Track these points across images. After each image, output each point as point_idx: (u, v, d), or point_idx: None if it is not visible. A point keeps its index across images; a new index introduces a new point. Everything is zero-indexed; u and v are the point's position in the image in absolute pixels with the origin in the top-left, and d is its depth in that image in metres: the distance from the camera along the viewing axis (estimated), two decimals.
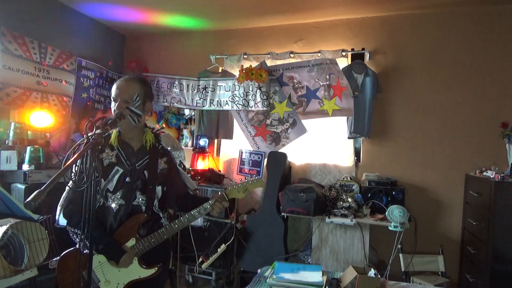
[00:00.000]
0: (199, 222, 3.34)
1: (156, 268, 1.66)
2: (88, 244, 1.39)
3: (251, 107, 3.60)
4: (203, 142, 3.83)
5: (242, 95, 3.62)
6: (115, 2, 3.45)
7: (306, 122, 3.55)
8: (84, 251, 1.45)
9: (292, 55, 3.64)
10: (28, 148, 2.88)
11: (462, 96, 3.23)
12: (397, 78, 3.41)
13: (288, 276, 1.79)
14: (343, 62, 3.46)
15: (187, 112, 4.18)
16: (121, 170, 1.66)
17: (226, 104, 3.76)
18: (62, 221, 1.65)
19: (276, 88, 3.58)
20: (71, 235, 1.67)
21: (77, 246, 1.62)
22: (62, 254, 1.65)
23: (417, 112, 3.36)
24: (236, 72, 3.69)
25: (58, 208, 1.64)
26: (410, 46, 3.39)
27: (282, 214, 3.19)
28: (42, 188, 1.09)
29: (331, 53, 3.49)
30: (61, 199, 1.65)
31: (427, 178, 3.31)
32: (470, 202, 3.04)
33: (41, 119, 3.18)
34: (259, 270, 2.01)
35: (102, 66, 3.88)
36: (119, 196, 1.65)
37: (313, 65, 3.48)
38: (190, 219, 1.69)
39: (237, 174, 3.78)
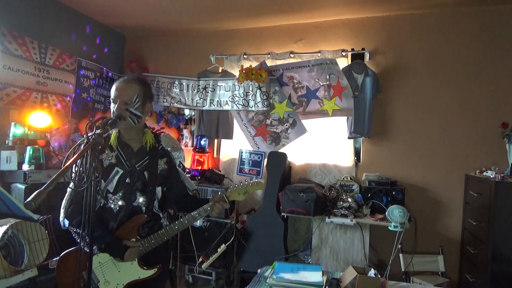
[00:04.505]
0: (198, 223, 3.34)
1: (156, 269, 1.66)
2: (89, 244, 1.39)
3: (251, 107, 3.60)
4: (203, 142, 3.83)
5: (242, 95, 3.62)
6: (115, 2, 3.45)
7: (306, 122, 3.55)
8: (86, 250, 1.45)
9: (292, 55, 3.64)
10: (28, 148, 2.88)
11: (462, 96, 3.23)
12: (397, 78, 3.41)
13: (288, 276, 1.80)
14: (343, 62, 3.46)
15: (187, 112, 4.18)
16: (121, 171, 1.66)
17: (226, 104, 3.75)
18: (67, 223, 1.64)
19: (276, 88, 3.58)
20: (73, 235, 1.67)
21: (79, 245, 1.62)
22: (62, 254, 1.65)
23: (417, 112, 3.36)
24: (236, 72, 3.69)
25: (62, 210, 1.64)
26: (410, 46, 3.39)
27: (282, 214, 3.19)
28: (42, 188, 1.09)
29: (331, 53, 3.49)
30: (64, 201, 1.64)
31: (427, 178, 3.31)
32: (470, 202, 3.04)
33: (41, 119, 3.18)
34: (259, 270, 2.01)
35: (102, 66, 3.88)
36: (119, 197, 1.65)
37: (313, 65, 3.48)
38: (190, 220, 1.69)
39: (237, 174, 3.78)
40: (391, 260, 2.87)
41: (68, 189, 1.62)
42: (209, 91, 3.82)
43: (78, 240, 1.65)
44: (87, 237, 1.42)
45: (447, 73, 3.28)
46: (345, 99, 3.38)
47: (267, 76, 3.48)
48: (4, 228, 2.17)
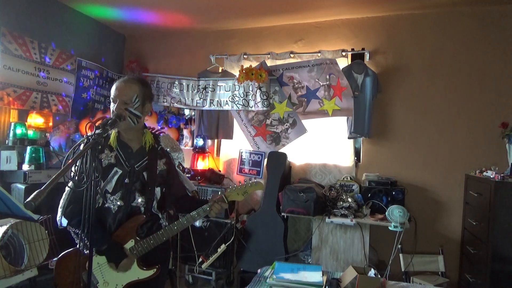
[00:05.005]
0: (198, 223, 3.34)
1: (155, 270, 1.66)
2: (88, 245, 1.39)
3: (251, 107, 3.60)
4: (203, 142, 3.83)
5: (242, 95, 3.62)
6: (115, 2, 3.45)
7: (306, 122, 3.55)
8: (85, 251, 1.45)
9: (292, 55, 3.64)
10: (28, 148, 2.88)
11: (462, 96, 3.23)
12: (397, 78, 3.41)
13: (288, 276, 1.80)
14: (343, 62, 3.46)
15: (187, 112, 4.18)
16: (120, 171, 1.65)
17: (226, 104, 3.75)
18: (64, 222, 1.64)
19: (276, 88, 3.58)
20: (72, 235, 1.67)
21: (78, 246, 1.62)
22: (61, 255, 1.64)
23: (417, 112, 3.36)
24: (236, 72, 3.69)
25: (59, 209, 1.63)
26: (410, 46, 3.38)
27: (282, 214, 3.19)
28: (42, 188, 1.09)
29: (331, 53, 3.49)
30: (62, 200, 1.64)
31: (427, 178, 3.31)
32: (470, 202, 3.04)
33: (41, 119, 3.18)
34: (259, 270, 2.01)
35: (102, 66, 3.88)
36: (118, 197, 1.65)
37: (313, 65, 3.48)
38: (190, 220, 1.69)
39: (237, 174, 3.78)
40: (391, 260, 2.87)
41: (67, 188, 1.62)
42: (209, 91, 3.82)
43: (77, 241, 1.65)
44: (85, 239, 1.42)
45: (447, 73, 3.28)
46: (345, 99, 3.38)
47: (267, 76, 3.48)
48: (4, 228, 2.18)
